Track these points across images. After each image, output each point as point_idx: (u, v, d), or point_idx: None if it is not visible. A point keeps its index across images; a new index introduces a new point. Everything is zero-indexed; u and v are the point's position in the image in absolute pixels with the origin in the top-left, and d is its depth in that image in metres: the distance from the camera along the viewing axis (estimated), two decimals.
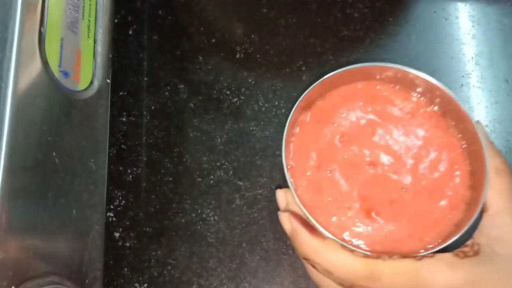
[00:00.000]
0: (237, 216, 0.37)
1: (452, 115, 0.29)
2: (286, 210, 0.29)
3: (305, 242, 0.27)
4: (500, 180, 0.27)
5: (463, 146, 0.29)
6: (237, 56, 0.41)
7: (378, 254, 0.26)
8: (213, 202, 0.38)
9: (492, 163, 0.27)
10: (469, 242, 0.26)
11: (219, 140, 0.39)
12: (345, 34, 0.41)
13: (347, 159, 0.29)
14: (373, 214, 0.28)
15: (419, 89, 0.30)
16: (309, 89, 0.29)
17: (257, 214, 0.37)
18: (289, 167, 0.29)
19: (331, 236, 0.26)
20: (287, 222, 0.28)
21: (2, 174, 0.25)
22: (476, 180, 0.28)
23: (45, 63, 0.30)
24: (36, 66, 0.29)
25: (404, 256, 0.25)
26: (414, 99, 0.30)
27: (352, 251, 0.26)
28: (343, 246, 0.26)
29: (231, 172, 0.38)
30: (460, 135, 0.29)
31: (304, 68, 0.40)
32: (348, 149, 0.29)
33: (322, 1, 0.42)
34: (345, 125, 0.30)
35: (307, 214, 0.26)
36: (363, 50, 0.40)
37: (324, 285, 0.28)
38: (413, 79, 0.29)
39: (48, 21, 0.30)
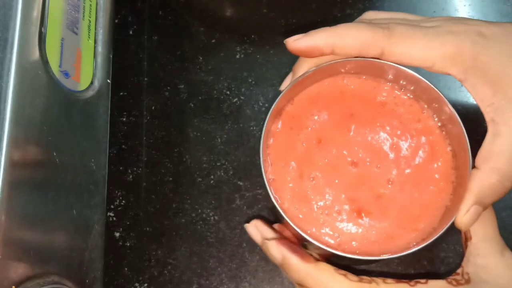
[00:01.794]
0: (237, 216, 0.37)
1: (423, 96, 0.29)
2: (264, 242, 0.28)
3: (298, 269, 0.26)
4: None
5: (440, 126, 0.28)
6: (237, 56, 0.41)
7: (372, 278, 0.25)
8: (213, 202, 0.38)
9: None
10: (459, 271, 0.27)
11: (219, 140, 0.39)
12: None
13: (328, 162, 0.28)
14: (363, 214, 0.27)
15: (389, 76, 0.29)
16: (279, 97, 0.28)
17: (257, 214, 0.37)
18: (270, 180, 0.28)
19: (327, 248, 0.25)
20: (277, 251, 0.27)
21: (2, 174, 0.25)
22: (459, 160, 0.27)
23: (45, 63, 0.30)
24: (36, 66, 0.29)
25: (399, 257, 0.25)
26: (383, 87, 0.29)
27: (345, 274, 0.26)
28: (336, 269, 0.26)
29: (231, 172, 0.38)
30: (435, 115, 0.29)
31: None
32: (327, 152, 0.28)
33: (322, 1, 0.42)
34: (319, 127, 0.29)
35: (298, 230, 0.26)
36: None
37: None
38: (378, 66, 0.28)
39: (49, 21, 0.30)
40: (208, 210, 0.38)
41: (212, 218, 0.37)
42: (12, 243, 0.26)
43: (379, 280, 0.26)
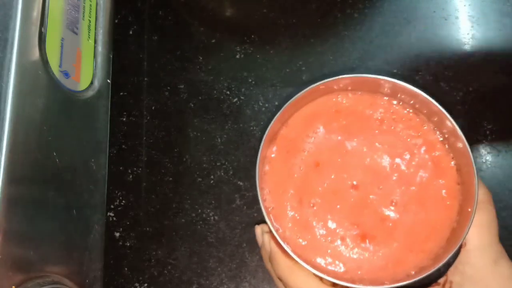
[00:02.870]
0: (237, 216, 0.37)
1: (423, 110, 0.27)
2: (263, 234, 0.29)
3: (280, 263, 0.27)
4: (480, 213, 0.26)
5: (442, 141, 0.27)
6: (237, 56, 0.41)
7: (346, 286, 0.25)
8: (213, 202, 0.38)
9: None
10: (441, 280, 0.26)
11: (219, 140, 0.39)
12: (345, 34, 0.41)
13: (328, 187, 0.27)
14: (367, 240, 0.26)
15: (386, 90, 0.28)
16: (272, 121, 0.27)
17: (257, 214, 0.37)
18: (269, 209, 0.27)
19: (330, 279, 0.25)
20: (267, 243, 0.28)
21: (2, 174, 0.25)
22: (463, 175, 0.26)
23: (45, 63, 0.30)
24: (36, 66, 0.29)
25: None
26: (380, 102, 0.28)
27: (321, 278, 0.25)
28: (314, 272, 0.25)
29: (231, 172, 0.38)
30: (436, 129, 0.27)
31: (304, 68, 0.40)
32: (326, 176, 0.27)
33: (322, 1, 0.42)
34: (315, 150, 0.28)
35: (300, 261, 0.25)
36: (363, 50, 0.40)
37: None
38: (373, 81, 0.27)
39: (49, 21, 0.30)
40: (208, 210, 0.38)
41: (212, 218, 0.37)
42: (12, 243, 0.26)
43: None
